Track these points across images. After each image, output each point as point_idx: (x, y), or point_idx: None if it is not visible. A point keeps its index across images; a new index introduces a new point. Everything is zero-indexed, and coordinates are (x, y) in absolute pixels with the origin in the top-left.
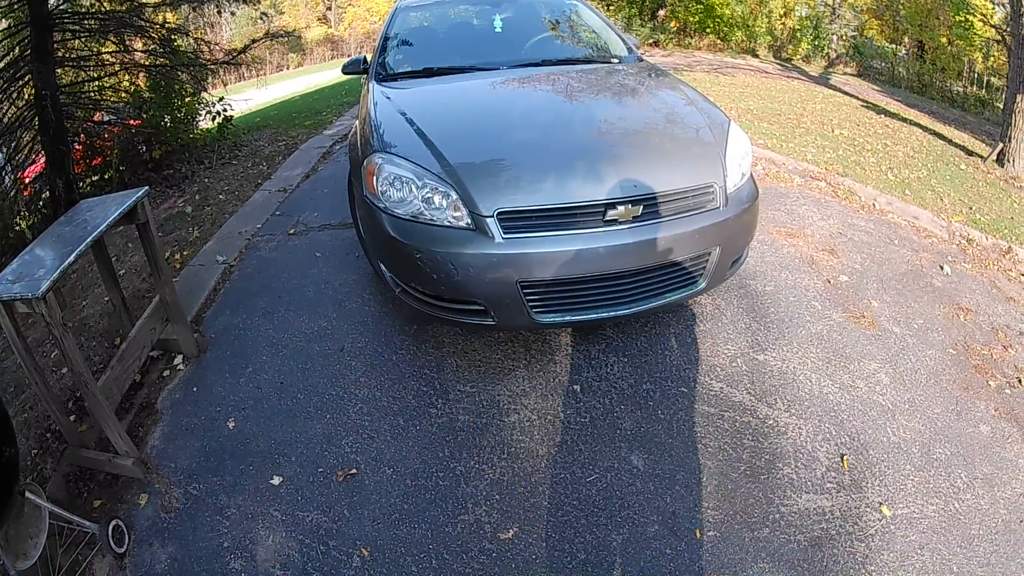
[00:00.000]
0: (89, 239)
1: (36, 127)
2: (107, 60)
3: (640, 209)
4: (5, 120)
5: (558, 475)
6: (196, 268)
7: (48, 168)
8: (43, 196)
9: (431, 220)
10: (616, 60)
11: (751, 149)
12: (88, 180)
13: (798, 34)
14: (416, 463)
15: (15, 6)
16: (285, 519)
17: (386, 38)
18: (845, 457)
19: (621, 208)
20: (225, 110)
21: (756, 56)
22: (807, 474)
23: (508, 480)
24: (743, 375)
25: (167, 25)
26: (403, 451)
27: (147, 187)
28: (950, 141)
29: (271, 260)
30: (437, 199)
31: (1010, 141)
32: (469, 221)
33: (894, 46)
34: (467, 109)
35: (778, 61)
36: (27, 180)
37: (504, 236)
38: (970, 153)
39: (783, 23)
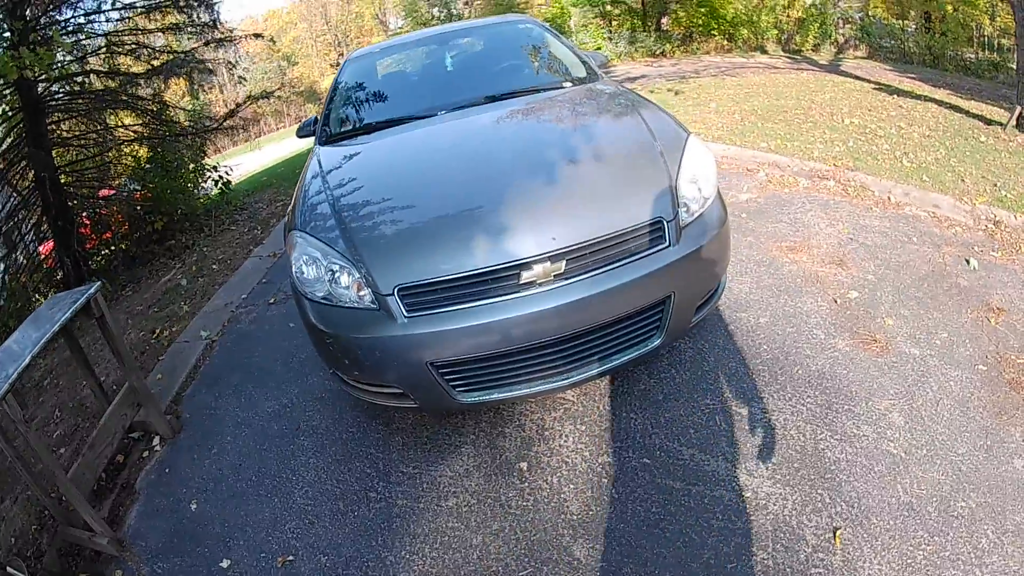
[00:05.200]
0: (34, 348)
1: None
2: (102, 137)
3: (562, 265)
4: (7, 206)
5: (487, 569)
6: (181, 345)
7: (56, 247)
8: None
9: (339, 302)
10: (570, 84)
11: (713, 168)
12: (100, 254)
13: (805, 24)
14: (351, 550)
15: (5, 94)
16: None
17: (333, 95)
18: (838, 531)
19: (537, 268)
20: (224, 175)
21: (765, 52)
22: (787, 559)
23: (436, 574)
24: (720, 436)
25: (158, 97)
26: (340, 537)
27: (100, 282)
28: (967, 113)
29: (248, 334)
30: (344, 278)
31: None
32: (372, 300)
33: (902, 22)
34: (389, 170)
35: (787, 54)
36: (43, 256)
37: (407, 315)
38: (989, 122)
39: (788, 15)
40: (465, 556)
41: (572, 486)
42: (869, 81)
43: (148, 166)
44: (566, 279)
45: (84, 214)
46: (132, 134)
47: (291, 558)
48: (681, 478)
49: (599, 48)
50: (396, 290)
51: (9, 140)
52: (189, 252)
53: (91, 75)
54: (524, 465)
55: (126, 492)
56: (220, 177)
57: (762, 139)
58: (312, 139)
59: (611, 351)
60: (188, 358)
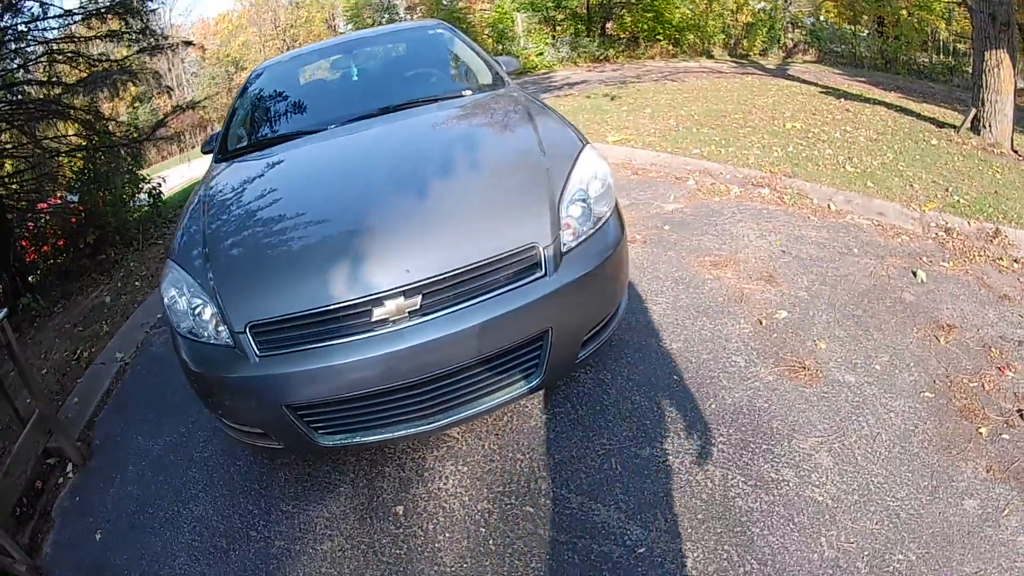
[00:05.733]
0: None
1: None
2: (40, 148)
3: (417, 301)
4: None
5: None
6: (98, 367)
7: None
8: None
9: (202, 337)
10: (471, 92)
11: (609, 182)
12: (38, 269)
13: (753, 28)
14: None
15: None
16: None
17: (234, 109)
18: None
19: (389, 304)
20: (157, 187)
21: (711, 57)
22: None
23: None
24: (615, 482)
25: (93, 107)
26: (225, 572)
27: (6, 309)
28: (918, 116)
29: (158, 356)
30: (206, 313)
31: (983, 104)
32: (229, 338)
33: (854, 27)
34: (266, 192)
35: (733, 59)
36: None
37: (260, 354)
38: (941, 125)
39: (736, 19)
40: None
41: (448, 535)
42: (816, 85)
43: (85, 177)
44: (423, 316)
45: (23, 227)
46: (66, 145)
47: None
48: (566, 529)
49: (541, 54)
50: (248, 327)
51: None
52: (117, 268)
53: (30, 84)
54: (400, 509)
55: (44, 519)
56: (152, 189)
57: (696, 145)
58: None
59: (482, 393)
60: (103, 381)
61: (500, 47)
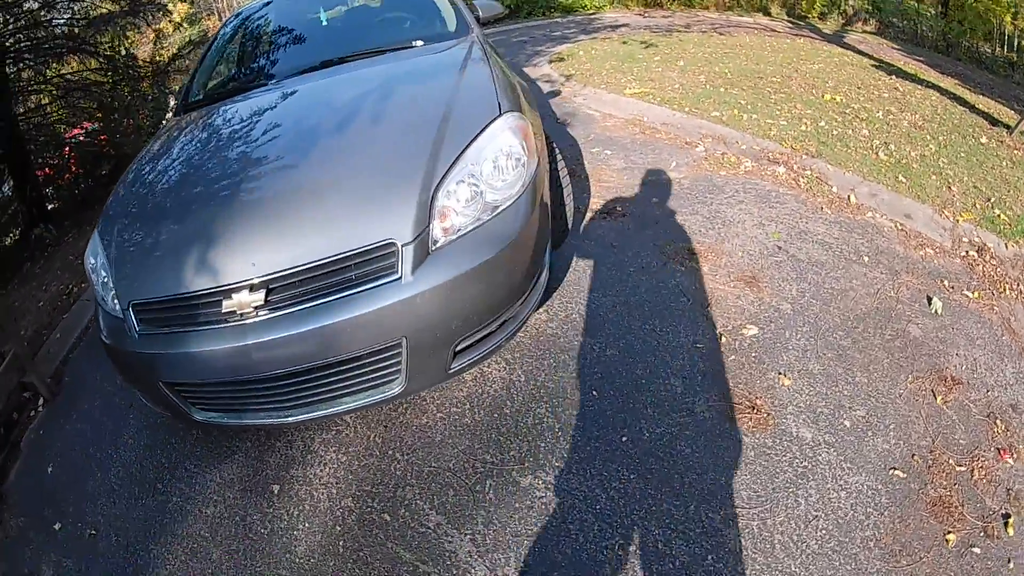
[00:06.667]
0: None
1: None
2: (61, 84)
3: (262, 296)
4: None
5: None
6: (84, 303)
7: (15, 190)
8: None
9: (106, 306)
10: (420, 43)
11: (522, 160)
12: (59, 196)
13: None
14: (132, 536)
15: None
16: (54, 560)
17: (203, 57)
18: None
19: (236, 298)
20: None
21: (768, 14)
22: None
23: None
24: (481, 508)
25: (115, 43)
26: (130, 522)
27: None
28: (972, 107)
29: None
30: (109, 284)
31: None
32: (120, 313)
33: (918, 3)
34: (192, 157)
35: (790, 19)
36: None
37: (140, 332)
38: (994, 123)
39: None
40: (203, 569)
41: (307, 525)
42: (870, 57)
43: (108, 108)
44: (270, 311)
45: (45, 158)
46: (87, 80)
47: (93, 532)
48: (414, 549)
49: None
50: (130, 305)
51: None
52: None
53: (52, 25)
54: (276, 488)
55: (14, 449)
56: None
57: (717, 107)
58: None
59: (339, 394)
60: (84, 318)
61: None
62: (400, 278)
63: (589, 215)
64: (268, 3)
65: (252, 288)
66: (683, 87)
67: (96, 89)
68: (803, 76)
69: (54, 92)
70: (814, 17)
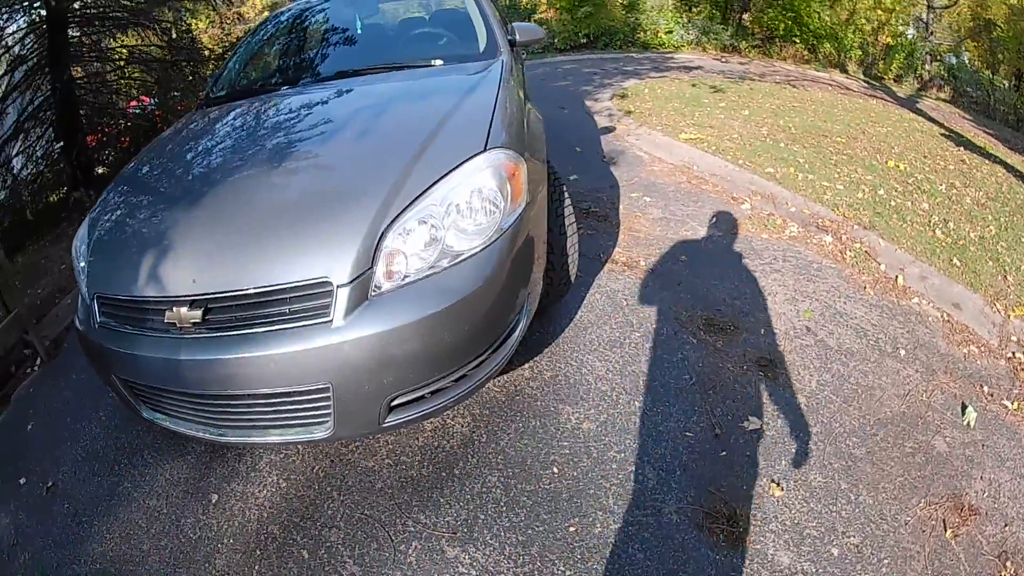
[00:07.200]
0: None
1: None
2: (120, 55)
3: (199, 315)
4: (28, 110)
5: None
6: None
7: (64, 151)
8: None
9: (80, 291)
10: (440, 62)
11: (493, 205)
12: (108, 162)
13: (891, 51)
14: (82, 508)
15: (36, 5)
16: (12, 511)
17: (235, 52)
18: None
19: (176, 311)
20: None
21: (845, 71)
22: None
23: (113, 558)
24: (398, 571)
25: (178, 22)
26: (83, 492)
27: None
28: None
29: None
30: (85, 269)
31: None
32: (90, 300)
33: (991, 75)
34: (191, 154)
35: (866, 79)
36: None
37: (100, 323)
38: None
39: (876, 39)
40: (131, 556)
41: (231, 541)
42: (940, 125)
43: (165, 83)
44: (208, 330)
45: (99, 125)
46: (146, 55)
47: (51, 483)
48: None
49: (670, 31)
50: (95, 296)
51: (32, 52)
52: None
53: None
54: (215, 498)
55: (4, 401)
56: None
57: (774, 163)
58: None
59: (269, 425)
60: None
61: (628, 16)
62: (331, 321)
63: (609, 265)
64: (310, 5)
65: (192, 304)
66: (742, 137)
67: (156, 65)
68: (869, 138)
69: (115, 62)
70: (890, 79)
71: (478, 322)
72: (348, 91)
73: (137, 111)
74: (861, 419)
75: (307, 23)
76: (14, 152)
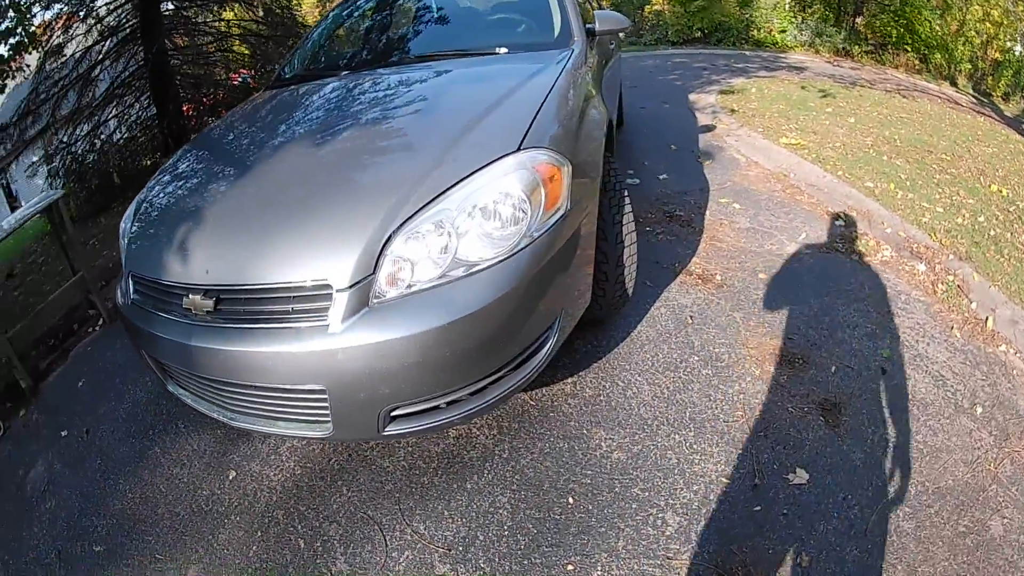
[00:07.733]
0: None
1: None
2: (216, 28)
3: (211, 304)
4: (123, 78)
5: (144, 534)
6: None
7: (157, 118)
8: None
9: (124, 267)
10: (505, 50)
11: (523, 208)
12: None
13: (1000, 67)
14: (112, 466)
15: None
16: (49, 460)
17: (308, 33)
18: None
19: (192, 298)
20: None
21: (954, 85)
22: None
23: (130, 516)
24: None
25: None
26: (116, 454)
27: (64, 191)
28: None
29: None
30: (126, 246)
31: None
32: (127, 275)
33: None
34: (249, 134)
35: (975, 94)
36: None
37: (132, 299)
38: None
39: (986, 53)
40: (146, 516)
41: (238, 518)
42: None
43: (269, 55)
44: (219, 320)
45: (197, 95)
46: (250, 27)
47: (87, 430)
48: None
49: (783, 31)
50: (130, 274)
51: (125, 22)
52: None
53: None
54: (232, 474)
55: (63, 355)
56: None
57: (874, 177)
58: None
59: (275, 416)
60: None
61: (742, 12)
62: (327, 326)
63: (682, 276)
64: None
65: (205, 293)
66: (844, 146)
67: (253, 39)
68: (974, 158)
69: (211, 35)
70: (997, 96)
71: (490, 339)
72: (397, 81)
73: (239, 82)
74: (919, 486)
75: (375, 8)
76: (106, 117)
